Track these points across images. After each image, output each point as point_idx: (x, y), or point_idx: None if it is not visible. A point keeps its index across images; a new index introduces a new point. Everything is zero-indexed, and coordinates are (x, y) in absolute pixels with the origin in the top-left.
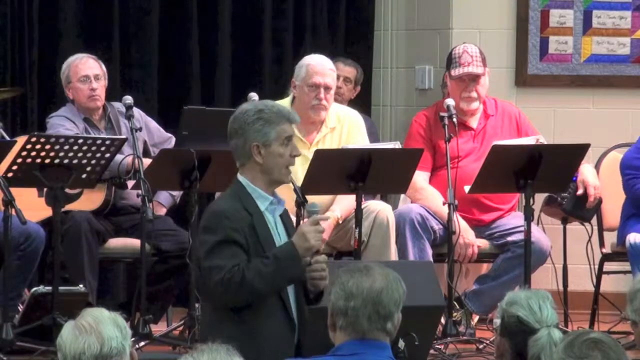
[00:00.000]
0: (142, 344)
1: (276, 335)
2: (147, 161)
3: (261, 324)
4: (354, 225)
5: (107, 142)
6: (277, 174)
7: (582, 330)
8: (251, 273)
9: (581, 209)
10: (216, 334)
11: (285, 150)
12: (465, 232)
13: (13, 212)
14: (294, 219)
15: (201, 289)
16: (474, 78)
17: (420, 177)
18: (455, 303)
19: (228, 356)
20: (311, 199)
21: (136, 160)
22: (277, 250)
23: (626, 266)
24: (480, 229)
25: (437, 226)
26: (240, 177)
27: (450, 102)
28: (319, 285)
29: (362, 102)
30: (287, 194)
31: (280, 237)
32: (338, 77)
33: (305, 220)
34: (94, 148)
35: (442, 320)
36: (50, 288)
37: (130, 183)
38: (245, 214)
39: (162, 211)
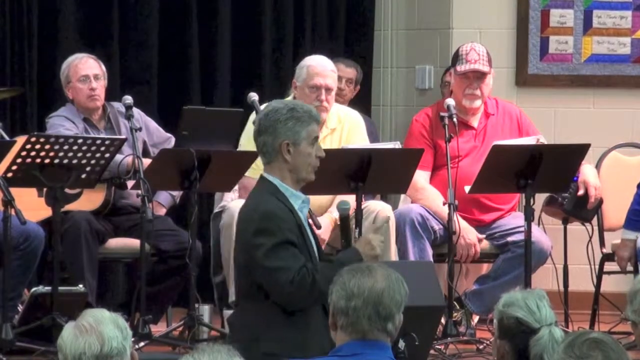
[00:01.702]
0: (142, 344)
1: (323, 335)
2: (146, 161)
3: (309, 324)
4: (354, 226)
5: (107, 142)
6: (304, 173)
7: (583, 331)
8: (320, 277)
9: (582, 209)
10: (263, 335)
11: (312, 150)
12: (466, 232)
13: (13, 212)
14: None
15: (244, 290)
16: (480, 76)
17: (421, 177)
18: (456, 303)
19: (229, 356)
20: (311, 199)
21: (136, 160)
22: (343, 257)
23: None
24: (480, 229)
25: (437, 226)
26: (268, 176)
27: (450, 101)
28: None
29: (362, 102)
30: None
31: (310, 235)
32: (341, 79)
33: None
34: (93, 148)
35: (442, 321)
36: (50, 288)
37: (130, 183)
38: (290, 214)
39: (162, 211)
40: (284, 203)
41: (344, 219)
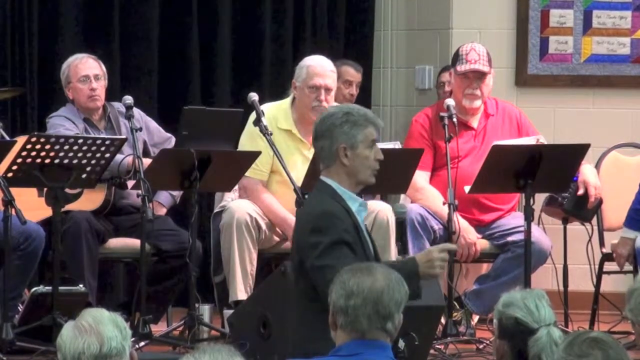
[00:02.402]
0: (142, 344)
1: None
2: (147, 161)
3: None
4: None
5: (107, 142)
6: (362, 176)
7: (583, 330)
8: None
9: (582, 209)
10: (319, 335)
11: (370, 153)
12: (466, 232)
13: (13, 212)
14: (294, 219)
15: (300, 290)
16: (480, 76)
17: (421, 177)
18: (455, 303)
19: (229, 356)
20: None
21: (136, 160)
22: (400, 264)
23: (626, 266)
24: (480, 229)
25: (437, 226)
26: (325, 179)
27: (450, 102)
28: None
29: (362, 102)
30: (287, 194)
31: (367, 240)
32: (352, 84)
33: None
34: (94, 148)
35: (442, 320)
36: (50, 288)
37: (130, 183)
38: (348, 215)
39: (162, 211)
40: (341, 204)
41: (402, 222)
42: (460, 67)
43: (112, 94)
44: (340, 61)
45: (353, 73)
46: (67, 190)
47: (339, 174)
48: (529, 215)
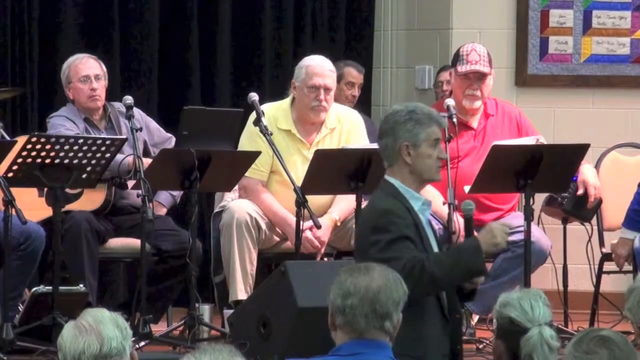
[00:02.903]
0: (142, 344)
1: (435, 335)
2: (147, 161)
3: (422, 323)
4: (354, 226)
5: (108, 142)
6: (426, 174)
7: (595, 328)
8: (431, 262)
9: (581, 209)
10: None
11: (433, 151)
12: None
13: (13, 212)
14: (294, 219)
15: None
16: (480, 77)
17: None
18: None
19: (230, 356)
20: (311, 199)
21: (136, 160)
22: (460, 243)
23: (626, 266)
24: (480, 229)
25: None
26: (389, 178)
27: (450, 102)
28: (476, 282)
29: (362, 102)
30: (287, 194)
31: (431, 238)
32: (354, 85)
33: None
34: (94, 148)
35: None
36: (50, 288)
37: (131, 183)
38: (408, 213)
39: (163, 211)
40: (402, 203)
41: (468, 219)
42: (461, 68)
43: (112, 94)
44: (343, 62)
45: (356, 74)
46: (68, 190)
47: (402, 173)
48: (528, 215)
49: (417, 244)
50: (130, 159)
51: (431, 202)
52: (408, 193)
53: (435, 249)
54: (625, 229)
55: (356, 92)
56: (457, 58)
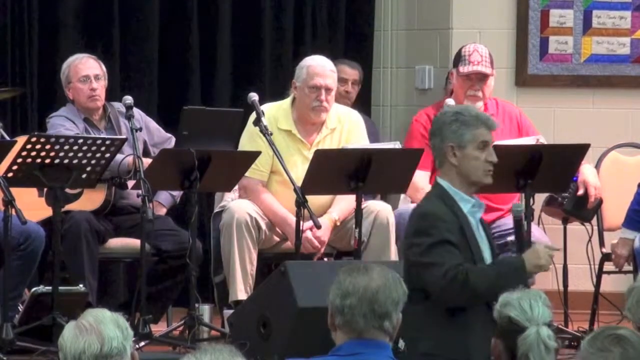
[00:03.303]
0: (142, 344)
1: (482, 336)
2: (147, 161)
3: (469, 325)
4: (354, 226)
5: (107, 142)
6: (474, 177)
7: (612, 326)
8: (475, 275)
9: (581, 209)
10: (422, 335)
11: (480, 154)
12: None
13: (13, 212)
14: (294, 219)
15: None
16: (482, 77)
17: (421, 177)
18: None
19: (231, 356)
20: (311, 199)
21: (136, 160)
22: (506, 259)
23: (626, 266)
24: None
25: None
26: (440, 180)
27: (450, 102)
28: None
29: (362, 102)
30: (287, 194)
31: (482, 240)
32: (347, 81)
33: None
34: (94, 148)
35: None
36: (50, 288)
37: (131, 183)
38: (453, 217)
39: (162, 211)
40: (449, 206)
41: (517, 220)
42: (463, 68)
43: (112, 94)
44: (337, 60)
45: (347, 70)
46: (67, 190)
47: (450, 174)
48: (528, 215)
49: (461, 248)
50: (130, 159)
51: (483, 203)
52: (457, 195)
53: (487, 252)
54: (625, 229)
55: (349, 88)
56: (459, 58)
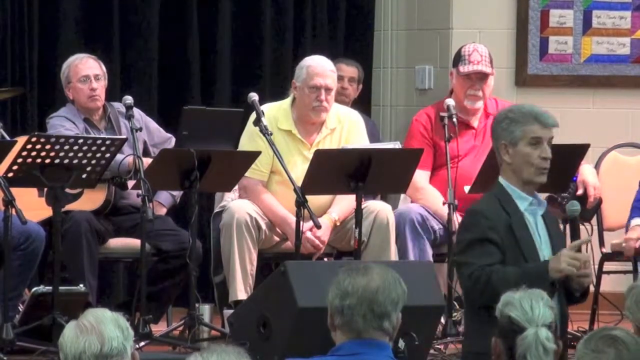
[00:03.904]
0: (142, 343)
1: None
2: (147, 160)
3: None
4: (354, 226)
5: (108, 142)
6: (525, 174)
7: (608, 327)
8: (497, 276)
9: (581, 209)
10: (474, 333)
11: (532, 150)
12: None
13: (13, 212)
14: (294, 219)
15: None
16: (482, 77)
17: (421, 177)
18: (455, 303)
19: (238, 358)
20: (311, 199)
21: (136, 160)
22: (528, 265)
23: (626, 266)
24: None
25: (437, 226)
26: (500, 178)
27: (450, 102)
28: (582, 283)
29: (362, 102)
30: (287, 194)
31: (540, 238)
32: (343, 78)
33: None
34: (94, 148)
35: (442, 320)
36: (50, 288)
37: (131, 183)
38: (504, 215)
39: (162, 211)
40: (502, 204)
41: (573, 219)
42: (463, 68)
43: (112, 94)
44: (335, 59)
45: (344, 67)
46: (68, 190)
47: (507, 172)
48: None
49: (506, 247)
50: (130, 158)
51: (544, 201)
52: (515, 193)
53: (546, 251)
54: (635, 218)
55: (345, 84)
56: (459, 58)
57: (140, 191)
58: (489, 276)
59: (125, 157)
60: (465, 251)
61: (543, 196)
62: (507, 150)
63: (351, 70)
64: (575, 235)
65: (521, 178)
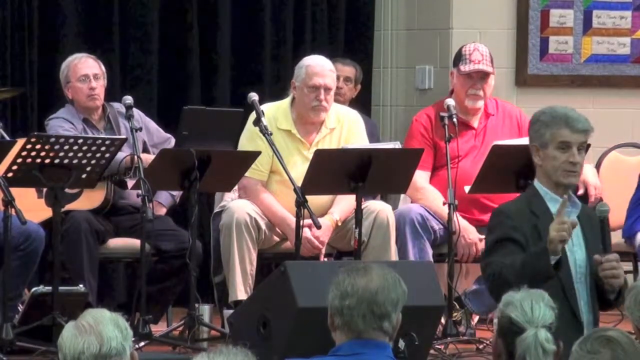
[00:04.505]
0: (142, 343)
1: (564, 336)
2: (148, 157)
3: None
4: (354, 226)
5: (107, 142)
6: (555, 177)
7: (603, 327)
8: (506, 268)
9: None
10: None
11: (561, 154)
12: (466, 231)
13: (13, 212)
14: (293, 219)
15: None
16: (483, 76)
17: (421, 177)
18: (455, 303)
19: None
20: (311, 199)
21: (135, 159)
22: (530, 249)
23: (626, 266)
24: (480, 229)
25: (437, 226)
26: (535, 179)
27: (450, 102)
28: (614, 284)
29: (362, 102)
30: (287, 194)
31: (572, 240)
32: (338, 78)
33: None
34: (94, 148)
35: (442, 320)
36: (50, 288)
37: (131, 183)
38: (530, 215)
39: (162, 211)
40: (530, 205)
41: (602, 220)
42: (464, 67)
43: (112, 94)
44: (333, 59)
45: (339, 67)
46: (66, 190)
47: (540, 175)
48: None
49: (528, 247)
50: (127, 157)
51: (578, 203)
52: (547, 195)
53: (579, 253)
54: None
55: (341, 84)
56: (460, 58)
57: (140, 191)
58: (500, 270)
59: (125, 157)
60: (489, 253)
61: None
62: (538, 152)
63: (347, 69)
64: (605, 235)
65: (552, 180)
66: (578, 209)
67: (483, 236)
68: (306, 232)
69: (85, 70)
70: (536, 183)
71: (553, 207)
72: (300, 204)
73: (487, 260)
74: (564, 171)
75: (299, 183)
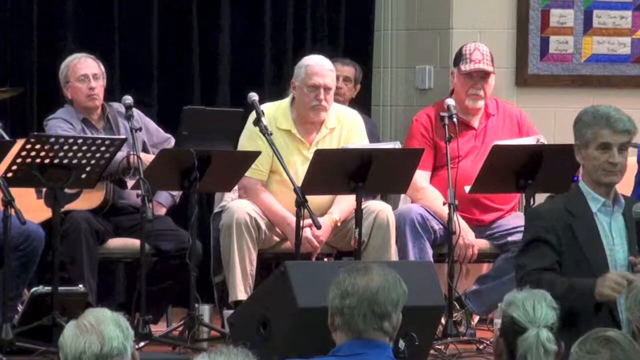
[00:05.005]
0: (142, 344)
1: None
2: (148, 157)
3: (578, 326)
4: (354, 226)
5: (107, 142)
6: (595, 176)
7: (603, 328)
8: (544, 286)
9: None
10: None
11: (601, 154)
12: (465, 233)
13: (13, 213)
14: (293, 219)
15: None
16: (484, 76)
17: (421, 177)
18: (456, 303)
19: None
20: (311, 199)
21: (135, 159)
22: (579, 280)
23: None
24: (480, 229)
25: (437, 226)
26: (580, 179)
27: (450, 102)
28: None
29: (362, 102)
30: (287, 194)
31: (613, 239)
32: (338, 78)
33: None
34: (93, 148)
35: (442, 321)
36: (50, 288)
37: (130, 183)
38: (565, 215)
39: (162, 211)
40: (567, 204)
41: (638, 221)
42: (465, 67)
43: (112, 94)
44: (332, 59)
45: (338, 67)
46: (66, 190)
47: (583, 173)
48: None
49: (564, 248)
50: (125, 156)
51: (622, 202)
52: (589, 195)
53: (620, 253)
54: None
55: (340, 83)
56: (460, 57)
57: (140, 191)
58: (536, 284)
59: (124, 157)
60: (521, 253)
61: (544, 196)
62: (580, 151)
63: (346, 69)
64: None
65: (593, 179)
66: (621, 208)
67: (481, 240)
68: (306, 232)
69: (84, 70)
70: (580, 182)
71: (594, 207)
72: (300, 203)
73: (518, 261)
74: (604, 171)
75: (299, 183)
